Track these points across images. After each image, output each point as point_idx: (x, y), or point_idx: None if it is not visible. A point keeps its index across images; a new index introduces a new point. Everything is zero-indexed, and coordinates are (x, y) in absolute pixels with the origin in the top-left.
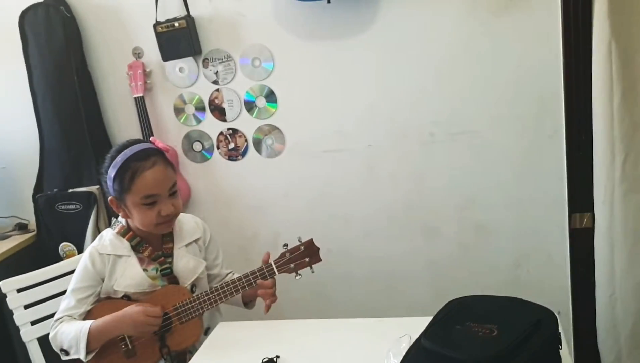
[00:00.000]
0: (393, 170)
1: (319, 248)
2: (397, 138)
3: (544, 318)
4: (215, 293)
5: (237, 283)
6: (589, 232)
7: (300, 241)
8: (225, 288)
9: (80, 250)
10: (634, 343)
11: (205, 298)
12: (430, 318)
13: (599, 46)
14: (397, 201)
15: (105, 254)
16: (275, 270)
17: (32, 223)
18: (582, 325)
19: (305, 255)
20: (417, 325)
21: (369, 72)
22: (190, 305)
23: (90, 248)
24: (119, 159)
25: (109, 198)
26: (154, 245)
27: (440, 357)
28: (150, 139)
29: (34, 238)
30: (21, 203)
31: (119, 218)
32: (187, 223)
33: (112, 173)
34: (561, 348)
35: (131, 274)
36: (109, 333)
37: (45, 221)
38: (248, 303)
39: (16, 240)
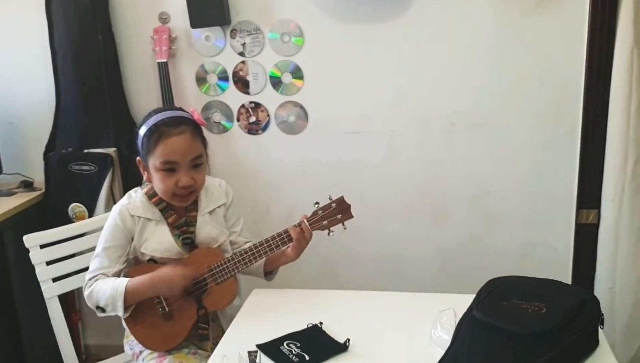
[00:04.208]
0: (412, 156)
1: (350, 205)
2: (419, 124)
3: (589, 299)
4: (250, 252)
5: (271, 241)
6: (594, 228)
7: (330, 199)
8: (260, 247)
9: (91, 212)
10: (628, 334)
11: (240, 258)
12: (462, 295)
13: (621, 52)
14: (412, 186)
15: (136, 216)
16: (309, 227)
17: (38, 182)
18: None
19: (337, 211)
20: (451, 301)
21: (397, 58)
22: (225, 266)
23: (119, 206)
24: (151, 120)
25: (137, 158)
26: (178, 212)
27: (495, 328)
28: (191, 110)
29: (40, 197)
30: (27, 161)
31: None
32: (211, 188)
33: (141, 132)
34: (602, 328)
35: (160, 239)
36: (144, 294)
37: (55, 181)
38: (268, 274)
39: (22, 198)
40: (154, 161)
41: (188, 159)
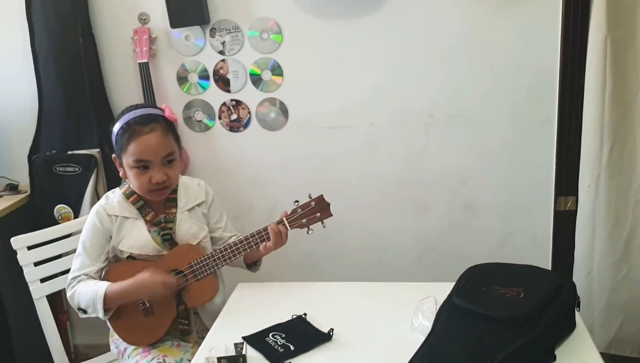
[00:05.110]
0: (391, 148)
1: (329, 204)
2: (398, 117)
3: (565, 283)
4: (229, 250)
5: (250, 239)
6: (572, 214)
7: (310, 197)
8: (239, 245)
9: (76, 213)
10: (607, 317)
11: (219, 255)
12: (443, 283)
13: (594, 41)
14: (393, 178)
15: (113, 215)
16: (287, 225)
17: (23, 184)
18: None
19: (317, 210)
20: (433, 289)
21: (375, 52)
22: (205, 262)
23: (97, 207)
24: (124, 118)
25: (113, 155)
26: (156, 209)
27: (474, 314)
28: (163, 106)
29: (26, 199)
30: (12, 164)
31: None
32: (191, 187)
33: (115, 129)
34: (578, 311)
35: (137, 236)
36: (125, 298)
37: (40, 183)
38: (251, 265)
39: (8, 201)
40: (127, 159)
41: (160, 157)
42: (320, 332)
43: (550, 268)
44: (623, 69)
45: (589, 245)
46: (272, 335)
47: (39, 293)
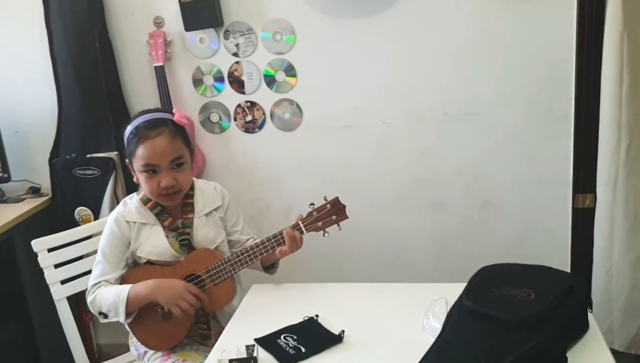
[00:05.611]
0: (406, 147)
1: (345, 206)
2: (412, 116)
3: (577, 283)
4: (246, 254)
5: (267, 243)
6: (591, 212)
7: (326, 200)
8: (256, 249)
9: (96, 215)
10: (626, 316)
11: (237, 259)
12: (455, 284)
13: (610, 35)
14: (407, 177)
15: (131, 221)
16: (303, 229)
17: (45, 188)
18: None
19: (332, 213)
20: (444, 290)
21: (388, 51)
22: (222, 267)
23: (115, 213)
24: (134, 123)
25: (126, 160)
26: (174, 215)
27: (484, 316)
28: (173, 110)
29: (48, 202)
30: (34, 168)
31: None
32: (207, 192)
33: (126, 134)
34: (591, 311)
35: (155, 242)
36: (146, 298)
37: (61, 186)
38: (268, 268)
39: (30, 204)
40: (136, 164)
41: (167, 161)
42: (331, 333)
43: (569, 267)
44: None
45: (608, 243)
46: (284, 337)
47: (59, 294)
